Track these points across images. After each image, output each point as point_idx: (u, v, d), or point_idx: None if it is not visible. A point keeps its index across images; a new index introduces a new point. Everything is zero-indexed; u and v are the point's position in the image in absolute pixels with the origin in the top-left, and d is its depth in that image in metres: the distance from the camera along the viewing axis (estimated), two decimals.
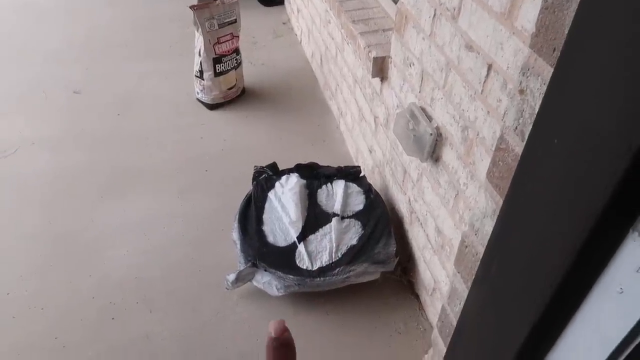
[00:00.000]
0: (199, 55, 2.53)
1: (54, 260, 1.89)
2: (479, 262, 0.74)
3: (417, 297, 1.80)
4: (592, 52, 0.41)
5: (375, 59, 1.80)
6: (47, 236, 1.98)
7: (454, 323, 0.85)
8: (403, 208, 1.84)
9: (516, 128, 0.62)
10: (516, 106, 0.61)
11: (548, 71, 0.54)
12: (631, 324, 0.40)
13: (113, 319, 1.70)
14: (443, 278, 1.57)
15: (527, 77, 0.59)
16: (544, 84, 0.56)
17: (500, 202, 0.66)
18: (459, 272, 0.84)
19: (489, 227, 0.72)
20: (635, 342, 0.40)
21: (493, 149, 1.20)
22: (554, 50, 0.53)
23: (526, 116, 0.60)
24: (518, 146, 0.62)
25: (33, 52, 3.16)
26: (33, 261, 1.88)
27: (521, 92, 0.60)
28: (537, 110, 0.55)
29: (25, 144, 2.42)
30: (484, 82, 1.20)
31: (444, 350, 0.88)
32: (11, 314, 1.70)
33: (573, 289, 0.47)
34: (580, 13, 0.43)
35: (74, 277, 1.83)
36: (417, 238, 1.74)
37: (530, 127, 0.58)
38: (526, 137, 0.59)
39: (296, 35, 3.39)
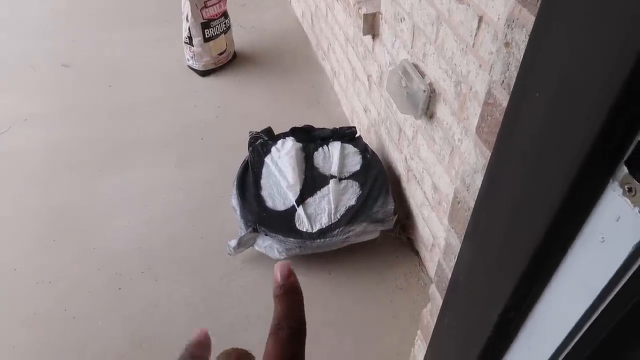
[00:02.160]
0: (187, 20, 2.48)
1: (58, 235, 1.91)
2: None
3: (416, 253, 1.83)
4: (572, 2, 0.40)
5: (365, 15, 1.76)
6: (49, 212, 1.99)
7: (449, 277, 0.87)
8: (400, 166, 1.85)
9: (503, 82, 0.62)
10: (502, 59, 0.60)
11: (532, 22, 0.53)
12: (612, 272, 0.41)
13: (120, 289, 1.73)
14: (441, 234, 1.59)
15: (512, 29, 0.58)
16: (529, 35, 0.55)
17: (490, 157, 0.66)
18: (452, 228, 0.85)
19: (479, 182, 0.72)
20: (616, 289, 0.41)
21: (483, 103, 1.19)
22: (538, 0, 0.52)
23: (512, 69, 0.59)
24: (505, 100, 0.62)
25: (17, 25, 3.09)
26: (37, 237, 1.90)
27: (507, 45, 0.59)
28: (520, 63, 0.55)
29: (18, 121, 2.41)
30: (475, 35, 1.17)
31: (441, 303, 0.90)
32: (20, 289, 1.74)
33: (557, 239, 0.48)
34: None
35: (78, 251, 1.85)
36: (415, 196, 1.75)
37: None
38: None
39: None
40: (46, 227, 1.94)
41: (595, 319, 0.45)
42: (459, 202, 0.81)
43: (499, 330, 0.58)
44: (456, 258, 0.81)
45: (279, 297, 0.35)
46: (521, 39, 0.57)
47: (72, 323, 1.64)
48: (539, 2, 0.53)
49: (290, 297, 0.35)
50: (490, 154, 0.68)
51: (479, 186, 0.71)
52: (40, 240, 1.89)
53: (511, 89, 0.59)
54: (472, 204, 0.77)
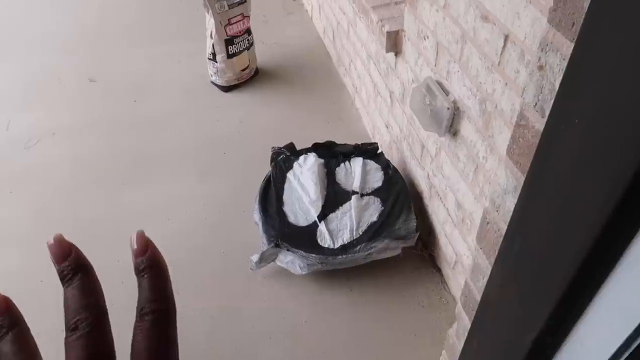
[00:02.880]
0: (211, 37, 2.53)
1: (82, 248, 1.91)
2: (501, 238, 0.74)
3: (439, 270, 1.82)
4: (612, 27, 0.41)
5: (388, 33, 1.77)
6: (74, 223, 2.03)
7: (478, 298, 0.86)
8: (422, 183, 1.84)
9: (535, 104, 0.62)
10: (535, 82, 0.60)
11: (567, 46, 0.53)
12: None
13: None
14: (464, 251, 1.57)
15: (546, 52, 0.58)
16: (564, 59, 0.55)
17: (521, 179, 0.66)
18: (481, 248, 0.84)
19: (510, 203, 0.72)
20: None
21: (512, 121, 1.19)
22: (573, 24, 0.52)
23: (546, 92, 0.59)
24: (538, 122, 0.62)
25: (47, 42, 3.18)
26: None
27: (540, 68, 0.59)
28: (557, 86, 0.55)
29: (46, 135, 2.47)
30: (501, 53, 1.18)
31: (469, 324, 0.89)
32: (47, 301, 1.76)
33: (597, 264, 0.48)
34: None
35: (102, 263, 1.85)
36: (437, 212, 1.75)
37: (550, 103, 0.58)
38: (546, 114, 0.58)
39: (307, 11, 3.35)
40: (71, 238, 1.95)
41: (637, 347, 0.44)
42: (488, 223, 0.80)
43: (533, 355, 0.57)
44: (486, 279, 0.80)
45: (140, 275, 0.30)
46: (555, 63, 0.57)
47: None
48: (574, 26, 0.53)
49: (152, 273, 0.30)
50: (521, 176, 0.68)
51: (510, 207, 0.71)
52: None
53: (544, 112, 0.59)
54: (502, 225, 0.76)
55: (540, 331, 0.55)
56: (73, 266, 0.30)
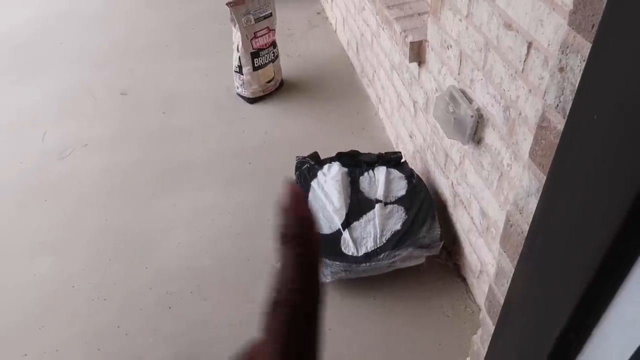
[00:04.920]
0: (237, 50, 2.59)
1: (112, 255, 2.00)
2: (524, 241, 0.75)
3: (463, 280, 1.80)
4: (629, 27, 0.42)
5: (412, 43, 1.79)
6: (105, 232, 2.09)
7: (502, 302, 0.86)
8: (446, 192, 1.84)
9: (557, 106, 0.63)
10: (556, 84, 0.61)
11: (587, 48, 0.54)
12: None
13: (170, 307, 1.79)
14: (490, 260, 1.56)
15: (567, 54, 0.59)
16: (584, 60, 0.56)
17: (544, 180, 0.67)
18: (504, 252, 0.85)
19: (533, 205, 0.73)
20: None
21: (536, 127, 1.19)
22: (593, 26, 0.54)
23: (567, 93, 0.60)
24: (560, 124, 0.62)
25: (80, 58, 3.31)
26: (93, 256, 1.99)
27: (561, 70, 0.60)
28: (577, 87, 0.56)
29: (79, 146, 2.56)
30: (525, 60, 1.18)
31: (493, 329, 0.89)
32: (78, 305, 1.82)
33: (619, 260, 0.48)
34: None
35: (131, 270, 1.93)
36: (462, 221, 1.74)
37: (570, 105, 0.58)
38: (567, 115, 0.59)
39: (331, 24, 3.40)
40: (102, 246, 2.04)
41: None
42: (511, 226, 0.81)
43: (557, 353, 0.57)
44: (509, 282, 0.80)
45: (285, 246, 0.23)
46: (576, 64, 0.58)
47: (125, 339, 1.70)
48: (594, 28, 0.54)
49: (303, 250, 0.22)
50: (544, 177, 0.68)
51: (533, 209, 0.71)
52: (96, 259, 1.98)
53: (566, 113, 0.60)
54: (525, 227, 0.76)
55: (564, 329, 0.55)
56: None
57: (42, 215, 2.20)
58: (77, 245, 2.05)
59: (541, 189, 0.70)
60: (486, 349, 0.96)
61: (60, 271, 1.95)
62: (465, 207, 1.69)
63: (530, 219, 0.71)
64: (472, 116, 1.44)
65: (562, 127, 0.62)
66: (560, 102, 0.62)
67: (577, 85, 0.55)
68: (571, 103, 0.56)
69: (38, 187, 2.34)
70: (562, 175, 0.54)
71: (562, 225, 0.54)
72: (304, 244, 0.25)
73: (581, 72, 0.56)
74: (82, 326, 1.76)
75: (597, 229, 0.47)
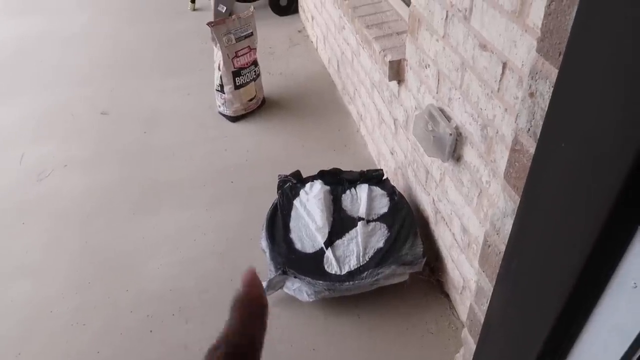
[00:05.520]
0: (219, 69, 2.59)
1: (92, 277, 1.96)
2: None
3: (447, 296, 1.81)
4: (592, 56, 0.43)
5: (391, 62, 1.82)
6: (85, 254, 2.06)
7: (482, 321, 0.87)
8: (428, 208, 1.86)
9: (529, 130, 0.64)
10: (527, 108, 0.63)
11: (555, 74, 0.56)
12: None
13: (151, 331, 1.76)
14: (472, 276, 1.57)
15: (536, 80, 0.60)
16: (552, 87, 0.58)
17: (518, 202, 0.68)
18: (483, 271, 0.85)
19: (509, 226, 0.74)
20: None
21: (510, 150, 1.21)
22: (560, 54, 0.55)
23: (537, 118, 0.62)
24: (532, 147, 0.64)
25: (61, 78, 3.28)
26: (73, 279, 1.96)
27: (531, 95, 0.62)
28: (545, 113, 0.57)
29: (58, 166, 2.52)
30: (500, 80, 1.21)
31: (474, 348, 0.90)
32: (56, 331, 1.78)
33: (589, 284, 0.49)
34: (579, 17, 0.45)
35: (112, 293, 1.89)
36: (444, 237, 1.75)
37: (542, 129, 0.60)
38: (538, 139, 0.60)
39: (312, 42, 3.43)
40: (82, 269, 2.00)
41: None
42: (489, 246, 0.82)
43: None
44: (488, 302, 0.81)
45: (234, 308, 0.34)
46: (545, 90, 0.60)
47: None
48: (561, 55, 0.56)
49: (247, 312, 0.32)
50: (518, 198, 0.69)
51: (509, 230, 0.72)
52: (75, 282, 1.94)
53: (537, 136, 0.61)
54: (502, 247, 0.77)
55: (541, 351, 0.56)
56: None
57: (20, 238, 2.15)
58: (56, 268, 2.01)
59: (517, 210, 0.71)
60: None
61: (38, 295, 1.90)
62: (446, 223, 1.70)
63: (507, 240, 0.72)
64: (450, 134, 1.46)
65: (534, 150, 0.63)
66: (531, 126, 0.63)
67: (546, 111, 0.56)
68: (541, 128, 0.57)
69: (16, 209, 2.30)
70: (534, 198, 0.55)
71: (536, 248, 0.55)
72: (249, 307, 0.35)
73: (549, 98, 0.58)
74: (60, 353, 1.71)
75: (569, 252, 0.48)
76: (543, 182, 0.52)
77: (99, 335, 1.75)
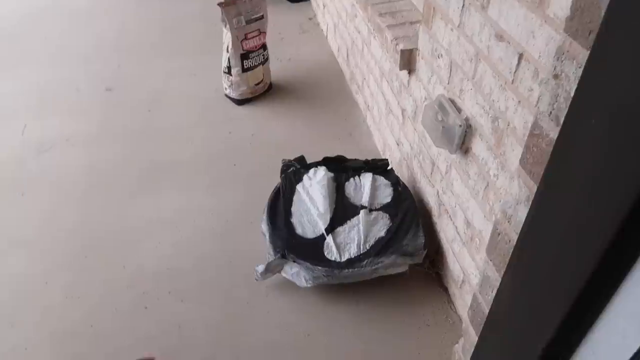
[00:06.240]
0: (227, 51, 2.57)
1: (89, 252, 1.95)
2: (511, 250, 0.74)
3: (445, 289, 1.80)
4: (629, 32, 0.41)
5: (402, 51, 1.79)
6: (83, 229, 2.04)
7: (486, 311, 0.85)
8: (431, 200, 1.84)
9: (550, 113, 0.62)
10: (550, 91, 0.61)
11: (584, 55, 0.54)
12: None
13: (146, 308, 1.75)
14: (472, 270, 1.56)
15: (562, 61, 0.58)
16: (580, 67, 0.56)
17: (534, 188, 0.66)
18: (491, 260, 0.84)
19: (522, 213, 0.72)
20: None
21: (525, 138, 1.19)
22: (590, 33, 0.53)
23: (561, 100, 0.60)
24: (553, 131, 0.62)
25: (66, 52, 3.25)
26: (69, 253, 1.94)
27: (555, 76, 0.60)
28: (572, 94, 0.55)
29: (60, 141, 2.50)
30: (515, 71, 1.18)
31: (476, 339, 0.88)
32: (50, 303, 1.77)
33: (609, 273, 0.47)
34: None
35: (108, 268, 1.88)
36: (446, 230, 1.74)
37: (565, 112, 0.58)
38: (561, 122, 0.59)
39: (322, 30, 3.40)
40: (79, 243, 1.99)
41: None
42: (499, 234, 0.80)
43: None
44: (494, 292, 0.79)
45: None
46: (571, 71, 0.58)
47: (97, 339, 1.65)
48: (591, 35, 0.54)
49: None
50: (534, 185, 0.67)
51: (522, 218, 0.71)
52: (72, 256, 1.93)
53: (559, 120, 0.59)
54: (513, 236, 0.76)
55: (552, 340, 0.54)
56: None
57: (18, 209, 2.14)
58: (53, 241, 1.99)
59: (531, 197, 0.69)
60: (467, 359, 0.95)
61: (33, 267, 1.89)
62: (450, 216, 1.69)
63: (519, 228, 0.70)
64: (460, 125, 1.44)
65: (555, 134, 0.62)
66: (553, 109, 0.61)
67: (571, 93, 0.55)
68: (565, 110, 0.56)
69: (15, 180, 2.28)
70: (555, 182, 0.53)
71: (554, 234, 0.53)
72: None
73: (576, 79, 0.56)
74: (53, 324, 1.70)
75: (591, 239, 0.46)
76: (566, 165, 0.50)
77: (93, 310, 1.74)
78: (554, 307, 0.54)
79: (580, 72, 0.55)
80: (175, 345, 1.63)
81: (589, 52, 0.53)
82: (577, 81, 0.55)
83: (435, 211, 1.82)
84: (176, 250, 1.95)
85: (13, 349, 1.63)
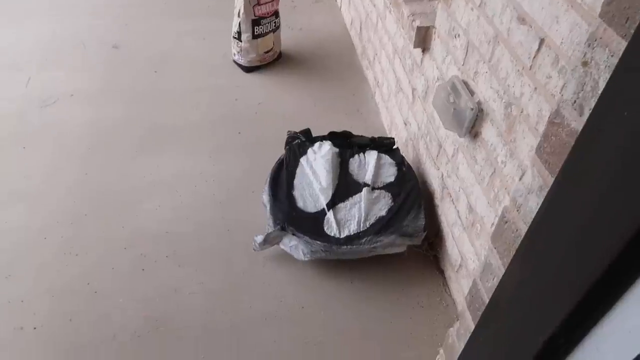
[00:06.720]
0: (238, 16, 2.51)
1: (89, 210, 1.94)
2: (518, 239, 0.73)
3: (441, 272, 1.80)
4: None
5: (418, 28, 1.75)
6: (83, 186, 2.03)
7: (485, 298, 0.85)
8: (435, 183, 1.82)
9: (575, 102, 0.60)
10: (577, 78, 0.59)
11: (618, 42, 0.51)
12: None
13: (143, 270, 1.75)
14: (471, 255, 1.56)
15: (593, 48, 0.56)
16: (612, 55, 0.53)
17: (549, 178, 0.64)
18: (495, 248, 0.83)
19: (532, 203, 0.70)
20: None
21: (537, 127, 1.17)
22: (627, 19, 0.51)
23: (587, 89, 0.57)
24: (575, 121, 0.60)
25: (74, 6, 3.19)
26: (69, 209, 1.94)
27: (585, 64, 0.57)
28: (600, 84, 0.53)
29: (64, 96, 2.47)
30: (534, 57, 1.15)
31: (472, 324, 0.88)
32: (48, 258, 1.77)
33: (624, 270, 0.46)
34: None
35: (107, 227, 1.88)
36: (447, 214, 1.73)
37: (591, 101, 0.56)
38: (585, 112, 0.57)
39: (336, 1, 3.32)
40: (79, 200, 1.98)
41: None
42: (506, 222, 0.79)
43: (545, 355, 0.55)
44: (496, 280, 0.78)
45: None
46: (602, 59, 0.55)
47: (94, 297, 1.66)
48: (628, 21, 0.51)
49: None
50: (548, 175, 0.66)
51: (532, 208, 0.69)
52: (71, 213, 1.92)
53: (583, 109, 0.57)
54: (520, 225, 0.74)
55: (555, 332, 0.53)
56: None
57: (19, 162, 2.13)
58: (53, 197, 1.99)
59: (544, 187, 0.67)
60: (461, 343, 0.95)
61: (32, 221, 1.89)
62: (452, 200, 1.67)
63: (528, 218, 0.69)
64: (472, 109, 1.41)
65: (577, 125, 0.60)
66: (578, 98, 0.59)
67: (600, 82, 0.52)
68: (591, 101, 0.54)
69: (17, 133, 2.26)
70: (574, 176, 0.52)
71: (569, 228, 0.52)
72: None
73: (607, 67, 0.53)
74: (50, 279, 1.71)
75: (608, 235, 0.45)
76: (589, 157, 0.48)
77: (90, 267, 1.74)
78: (561, 301, 0.53)
79: (612, 60, 0.52)
80: (171, 309, 1.64)
81: (624, 40, 0.50)
82: (607, 70, 0.53)
83: (438, 194, 1.80)
84: (176, 215, 1.94)
85: (9, 301, 1.64)
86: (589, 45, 0.57)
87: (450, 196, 1.69)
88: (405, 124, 2.11)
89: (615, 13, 0.52)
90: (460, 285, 1.67)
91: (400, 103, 2.15)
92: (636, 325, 0.45)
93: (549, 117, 0.67)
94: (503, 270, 0.76)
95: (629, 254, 0.44)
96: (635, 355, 0.46)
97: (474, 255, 1.54)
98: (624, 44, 0.50)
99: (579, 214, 0.50)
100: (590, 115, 0.48)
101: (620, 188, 0.43)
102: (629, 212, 0.43)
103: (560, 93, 0.62)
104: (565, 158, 0.52)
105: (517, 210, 0.75)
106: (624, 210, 0.44)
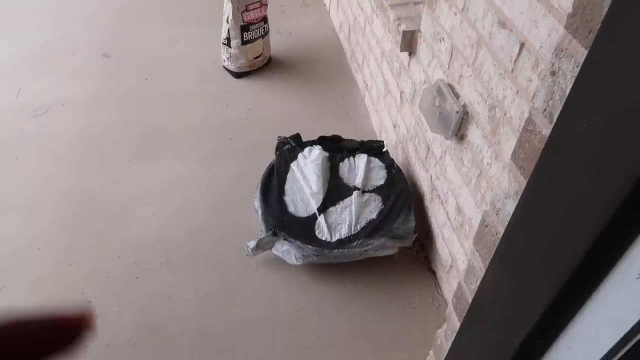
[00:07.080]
0: (227, 22, 2.53)
1: (82, 219, 1.95)
2: (497, 242, 0.75)
3: (433, 273, 1.82)
4: (628, 37, 0.41)
5: (404, 32, 1.77)
6: (76, 195, 2.04)
7: (469, 300, 0.86)
8: (424, 185, 1.85)
9: (545, 110, 0.62)
10: (547, 87, 0.61)
11: (582, 53, 0.54)
12: None
13: (137, 278, 1.76)
14: (460, 256, 1.58)
15: (560, 58, 0.58)
16: (577, 66, 0.55)
17: (524, 183, 0.67)
18: (477, 251, 0.85)
19: (510, 207, 0.72)
20: None
21: (520, 129, 1.19)
22: (590, 32, 0.53)
23: (556, 98, 0.59)
24: (546, 128, 0.62)
25: (63, 14, 3.19)
26: (62, 218, 1.95)
27: (553, 73, 0.59)
28: (567, 93, 0.55)
29: (56, 104, 2.47)
30: (515, 60, 1.18)
31: (458, 325, 0.90)
32: (41, 268, 1.78)
33: (592, 271, 0.48)
34: None
35: (101, 236, 1.89)
36: (437, 215, 1.75)
37: (559, 110, 0.58)
38: (555, 120, 0.59)
39: (325, 4, 3.34)
40: (72, 210, 1.99)
41: (624, 355, 0.45)
42: (486, 226, 0.81)
43: (521, 356, 0.57)
44: (479, 282, 0.80)
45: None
46: (568, 69, 0.57)
47: (88, 306, 1.67)
48: (591, 34, 0.53)
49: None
50: (524, 180, 0.68)
51: (509, 212, 0.71)
52: (64, 223, 1.93)
53: (553, 117, 0.59)
54: (500, 228, 0.76)
55: (530, 333, 0.55)
56: None
57: (11, 173, 2.13)
58: (46, 207, 1.99)
59: (520, 191, 0.69)
60: (449, 344, 0.97)
61: (26, 231, 1.89)
62: (442, 201, 1.70)
63: (506, 222, 0.70)
64: (457, 112, 1.43)
65: (547, 132, 0.62)
66: (548, 106, 0.61)
67: (567, 91, 0.54)
68: (560, 108, 0.55)
69: (9, 143, 2.27)
70: (544, 180, 0.54)
71: (540, 230, 0.54)
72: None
73: (573, 77, 0.56)
74: (44, 290, 1.72)
75: (576, 236, 0.47)
76: (555, 163, 0.51)
77: (84, 277, 1.75)
78: (534, 302, 0.55)
79: (577, 71, 0.54)
80: (165, 316, 1.65)
81: (587, 51, 0.52)
82: (573, 80, 0.55)
83: (427, 195, 1.82)
84: (169, 221, 1.95)
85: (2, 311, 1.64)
86: (556, 56, 0.59)
87: (440, 197, 1.71)
88: (395, 127, 2.13)
89: (579, 25, 0.54)
90: (451, 285, 1.69)
91: (389, 106, 2.18)
92: (602, 325, 0.47)
93: (524, 124, 0.69)
94: None
95: (596, 255, 0.46)
96: (603, 354, 0.48)
97: (463, 256, 1.56)
98: None
99: (548, 217, 0.52)
100: (555, 125, 0.50)
101: (585, 192, 0.45)
102: (593, 215, 0.45)
103: (532, 101, 0.65)
104: (535, 164, 0.54)
105: (496, 214, 0.77)
106: (589, 214, 0.46)
